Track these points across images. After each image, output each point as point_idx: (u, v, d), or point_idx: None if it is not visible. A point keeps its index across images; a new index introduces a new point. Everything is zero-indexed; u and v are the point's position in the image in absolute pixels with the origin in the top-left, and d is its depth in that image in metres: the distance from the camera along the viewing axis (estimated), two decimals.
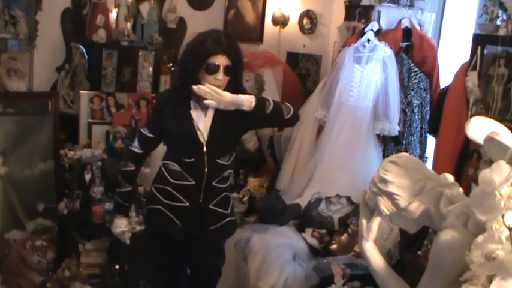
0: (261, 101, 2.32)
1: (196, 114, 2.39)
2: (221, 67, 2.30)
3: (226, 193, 2.53)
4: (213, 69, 2.29)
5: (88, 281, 3.23)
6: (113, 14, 3.83)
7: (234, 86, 2.37)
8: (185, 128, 2.37)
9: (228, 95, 2.28)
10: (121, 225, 2.62)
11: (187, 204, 2.41)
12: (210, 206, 2.45)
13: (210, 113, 2.39)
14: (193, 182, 2.38)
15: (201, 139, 2.37)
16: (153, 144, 2.58)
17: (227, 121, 2.37)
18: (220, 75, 2.30)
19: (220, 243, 2.67)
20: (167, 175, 2.44)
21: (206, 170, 2.37)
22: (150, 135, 2.50)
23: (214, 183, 2.42)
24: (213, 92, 2.26)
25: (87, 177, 3.35)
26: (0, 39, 3.43)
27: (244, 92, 2.38)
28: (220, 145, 2.41)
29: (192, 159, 2.37)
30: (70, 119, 3.70)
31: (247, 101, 2.29)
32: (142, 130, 2.55)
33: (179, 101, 2.40)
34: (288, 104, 2.45)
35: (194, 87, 2.28)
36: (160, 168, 2.50)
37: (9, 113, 3.44)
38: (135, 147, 2.55)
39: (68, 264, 3.18)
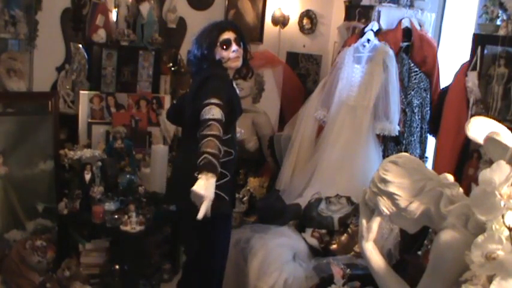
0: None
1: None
2: (232, 39, 2.57)
3: None
4: (227, 43, 2.56)
5: (88, 281, 3.22)
6: (113, 14, 3.83)
7: (245, 60, 2.68)
8: (239, 103, 2.68)
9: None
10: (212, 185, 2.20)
11: (229, 176, 2.60)
12: (234, 176, 2.82)
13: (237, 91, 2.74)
14: (233, 155, 2.62)
15: None
16: None
17: None
18: (234, 46, 2.57)
19: None
20: None
21: (236, 141, 2.69)
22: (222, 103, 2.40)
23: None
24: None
25: (87, 177, 3.35)
26: (0, 39, 3.43)
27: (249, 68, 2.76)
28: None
29: (231, 135, 2.60)
30: (70, 119, 3.69)
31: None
32: (215, 101, 2.36)
33: (229, 81, 2.63)
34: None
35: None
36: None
37: (9, 113, 3.43)
38: (221, 115, 2.35)
39: (68, 264, 3.17)
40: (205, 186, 2.20)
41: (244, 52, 2.68)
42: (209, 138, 2.29)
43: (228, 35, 2.58)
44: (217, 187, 2.47)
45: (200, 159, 2.24)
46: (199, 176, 2.21)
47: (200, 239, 2.67)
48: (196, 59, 2.64)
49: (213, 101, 2.38)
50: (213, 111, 2.36)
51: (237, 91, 2.74)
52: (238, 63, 2.63)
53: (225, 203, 2.59)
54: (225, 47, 2.56)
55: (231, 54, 2.57)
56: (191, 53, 2.70)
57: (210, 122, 2.33)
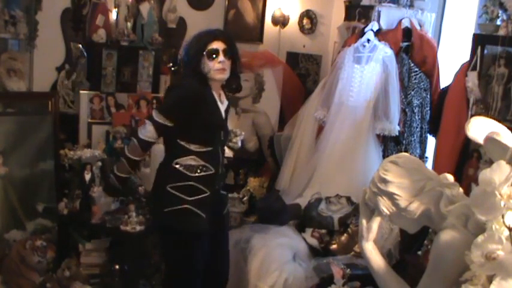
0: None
1: (219, 104, 2.58)
2: (220, 50, 2.45)
3: None
4: (214, 53, 2.45)
5: (88, 281, 3.23)
6: (113, 14, 3.83)
7: (234, 73, 2.57)
8: (217, 117, 2.54)
9: None
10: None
11: (208, 193, 2.51)
12: (221, 192, 2.66)
13: (225, 104, 2.62)
14: (213, 171, 2.52)
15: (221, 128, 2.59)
16: (168, 134, 2.54)
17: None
18: (221, 57, 2.45)
19: (228, 229, 2.84)
20: (185, 171, 2.47)
21: (220, 157, 2.57)
22: (169, 124, 2.44)
23: (224, 169, 2.63)
24: None
25: (87, 177, 3.35)
26: (0, 39, 3.43)
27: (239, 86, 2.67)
28: (226, 134, 2.66)
29: (211, 148, 2.50)
30: (70, 119, 3.70)
31: None
32: (157, 119, 2.44)
33: (207, 91, 2.51)
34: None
35: None
36: (173, 168, 2.49)
37: (9, 113, 3.44)
38: (150, 137, 2.46)
39: (68, 264, 3.17)
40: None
41: (234, 64, 2.55)
42: (124, 160, 2.53)
43: (217, 45, 2.46)
44: (192, 203, 2.47)
45: (109, 176, 2.59)
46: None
47: (171, 256, 2.61)
48: (183, 63, 2.61)
49: (155, 117, 2.45)
50: (147, 130, 2.45)
51: (220, 104, 2.57)
52: (223, 75, 2.50)
53: (199, 220, 2.49)
54: (214, 56, 2.45)
55: (216, 65, 2.45)
56: (181, 56, 2.67)
57: (136, 141, 2.48)
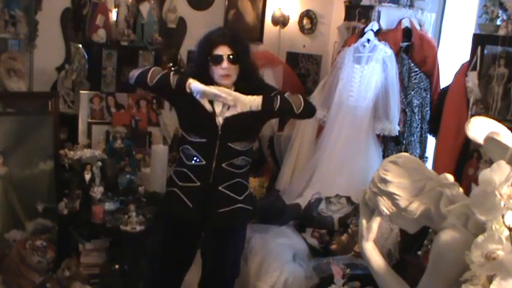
0: (267, 101, 2.45)
1: None
2: (224, 56, 2.42)
3: (240, 179, 2.58)
4: (217, 60, 2.42)
5: (88, 281, 3.22)
6: (113, 14, 3.83)
7: (244, 76, 2.49)
8: (204, 109, 2.44)
9: (237, 94, 2.41)
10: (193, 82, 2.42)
11: (198, 184, 2.52)
12: (220, 188, 2.53)
13: None
14: (204, 162, 2.50)
15: (217, 122, 2.47)
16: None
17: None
18: (225, 64, 2.42)
19: (232, 229, 2.66)
20: (184, 158, 2.56)
21: (216, 151, 2.49)
22: (171, 78, 2.46)
23: (224, 165, 2.51)
24: (223, 93, 2.39)
25: (87, 177, 3.35)
26: (0, 39, 3.43)
27: (261, 84, 2.61)
28: (234, 131, 2.49)
29: (205, 140, 2.49)
30: (70, 119, 3.69)
31: (254, 102, 2.42)
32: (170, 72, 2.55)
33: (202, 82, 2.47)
34: (300, 97, 2.62)
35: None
36: (179, 155, 2.66)
37: (9, 113, 3.43)
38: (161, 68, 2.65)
39: (68, 264, 3.17)
40: (193, 86, 2.39)
41: (244, 65, 2.48)
42: (152, 71, 2.50)
43: (222, 50, 2.42)
44: (180, 188, 2.56)
45: (175, 84, 2.43)
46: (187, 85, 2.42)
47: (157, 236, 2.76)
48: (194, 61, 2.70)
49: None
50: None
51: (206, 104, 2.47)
52: (228, 81, 2.45)
53: (183, 207, 2.53)
54: (218, 62, 2.42)
55: (220, 72, 2.43)
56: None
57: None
